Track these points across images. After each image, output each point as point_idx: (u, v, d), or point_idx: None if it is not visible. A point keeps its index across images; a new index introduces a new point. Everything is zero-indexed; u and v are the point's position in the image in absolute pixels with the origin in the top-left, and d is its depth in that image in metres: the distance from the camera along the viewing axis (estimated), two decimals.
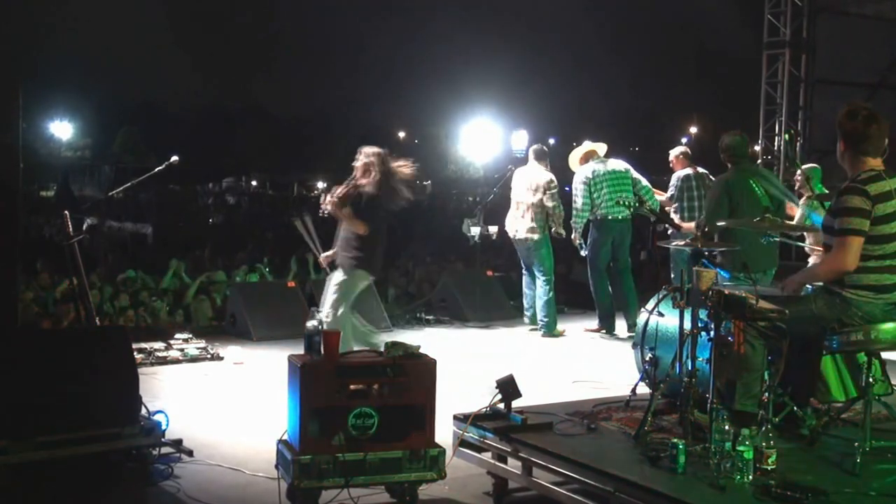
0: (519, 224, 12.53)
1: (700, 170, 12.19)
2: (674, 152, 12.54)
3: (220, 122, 64.30)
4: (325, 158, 67.76)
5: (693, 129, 70.53)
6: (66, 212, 8.75)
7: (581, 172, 12.30)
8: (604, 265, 12.44)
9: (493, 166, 14.26)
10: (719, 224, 7.95)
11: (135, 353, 9.10)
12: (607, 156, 12.45)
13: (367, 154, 9.08)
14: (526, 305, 12.96)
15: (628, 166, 12.33)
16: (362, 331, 9.26)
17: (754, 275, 7.17)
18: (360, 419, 5.76)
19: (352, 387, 5.77)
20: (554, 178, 12.48)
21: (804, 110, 16.61)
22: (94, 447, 6.35)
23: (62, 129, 60.32)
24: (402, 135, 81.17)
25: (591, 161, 12.33)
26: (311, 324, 6.03)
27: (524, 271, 12.82)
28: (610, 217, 12.11)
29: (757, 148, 12.36)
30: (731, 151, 9.34)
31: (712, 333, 5.83)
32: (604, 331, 12.48)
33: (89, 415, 6.38)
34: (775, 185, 9.42)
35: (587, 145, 12.56)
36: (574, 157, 12.63)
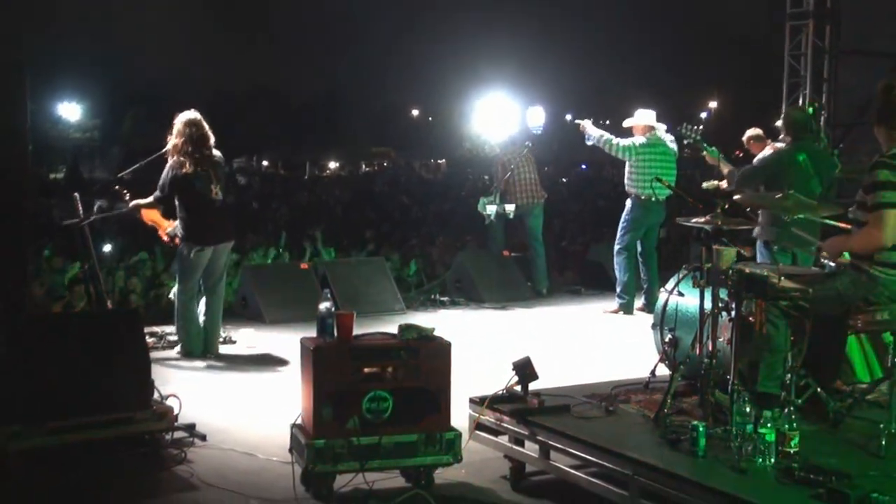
0: None
1: (779, 145, 11.95)
2: (748, 134, 12.32)
3: (231, 101, 64.25)
4: (338, 137, 67.86)
5: (713, 104, 70.28)
6: (76, 194, 8.69)
7: (637, 139, 12.17)
8: (633, 245, 12.33)
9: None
10: (736, 198, 7.78)
11: (147, 337, 9.09)
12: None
13: None
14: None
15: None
16: None
17: (797, 251, 7.10)
18: (374, 403, 5.70)
19: (366, 370, 5.71)
20: None
21: (828, 82, 16.37)
22: (107, 432, 6.29)
23: (71, 111, 60.43)
24: (415, 113, 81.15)
25: (648, 134, 12.20)
26: (323, 306, 5.95)
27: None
28: (654, 199, 11.99)
29: (779, 123, 12.17)
30: (792, 126, 9.18)
31: (733, 313, 5.73)
32: (622, 312, 12.36)
33: (101, 399, 6.33)
34: (831, 165, 9.27)
35: (645, 119, 12.36)
36: (635, 122, 12.43)
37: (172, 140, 9.19)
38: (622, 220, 12.34)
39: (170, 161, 9.21)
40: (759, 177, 8.93)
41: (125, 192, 9.36)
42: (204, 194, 9.22)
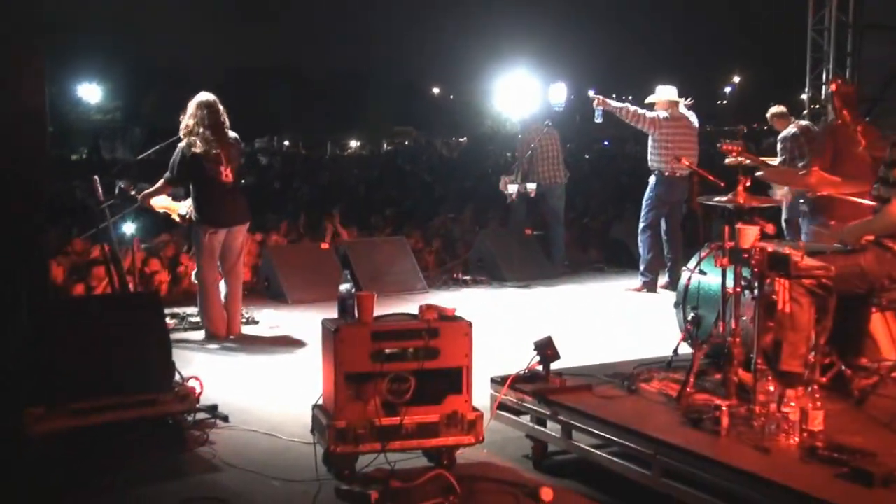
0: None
1: (803, 123, 11.86)
2: (771, 112, 12.23)
3: (253, 80, 64.22)
4: (359, 116, 67.78)
5: (736, 79, 69.94)
6: (96, 176, 8.70)
7: (661, 113, 12.11)
8: (658, 222, 12.27)
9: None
10: (759, 175, 7.71)
11: (168, 318, 9.12)
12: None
13: None
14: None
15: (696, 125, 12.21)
16: None
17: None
18: (395, 383, 5.68)
19: (387, 351, 5.68)
20: None
21: (852, 57, 16.21)
22: (129, 414, 6.28)
23: (91, 93, 60.51)
24: (436, 91, 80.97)
25: (670, 109, 12.13)
26: (343, 288, 5.94)
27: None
28: (678, 175, 11.93)
29: (803, 97, 12.06)
30: (844, 100, 9.11)
31: (756, 292, 5.69)
32: (646, 290, 12.31)
33: (123, 382, 6.32)
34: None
35: (668, 94, 12.29)
36: (658, 98, 12.34)
37: (184, 121, 9.21)
38: (646, 196, 12.28)
39: (179, 144, 9.24)
40: (829, 150, 8.81)
41: (132, 188, 9.33)
42: (214, 176, 9.22)
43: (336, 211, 15.48)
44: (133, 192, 9.33)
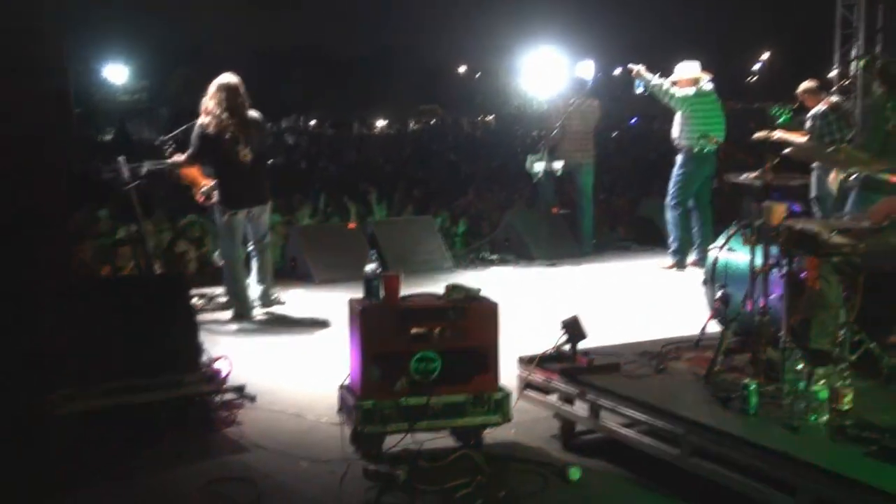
0: None
1: (834, 99, 11.74)
2: (802, 87, 12.10)
3: (278, 60, 64.25)
4: (386, 95, 67.72)
5: (766, 55, 69.44)
6: (122, 157, 8.70)
7: (688, 90, 12.04)
8: (687, 200, 12.20)
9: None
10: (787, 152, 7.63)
11: (196, 299, 9.14)
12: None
13: None
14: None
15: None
16: None
17: None
18: (422, 363, 5.68)
19: (413, 331, 5.68)
20: None
21: (882, 32, 16.01)
22: (157, 394, 6.31)
23: (117, 73, 60.60)
24: (462, 69, 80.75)
25: (695, 86, 12.06)
26: (369, 268, 5.94)
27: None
28: (706, 150, 11.86)
29: (832, 74, 11.94)
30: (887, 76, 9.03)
31: (785, 270, 5.65)
32: (676, 268, 12.25)
33: (151, 362, 6.35)
34: None
35: (692, 71, 12.21)
36: (680, 76, 12.27)
37: (205, 101, 9.24)
38: (674, 174, 12.21)
39: (199, 121, 9.26)
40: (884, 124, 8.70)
41: (169, 148, 9.38)
42: (231, 157, 9.23)
43: (369, 190, 15.47)
44: (167, 155, 9.36)
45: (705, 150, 11.83)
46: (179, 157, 9.43)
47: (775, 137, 11.23)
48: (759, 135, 11.26)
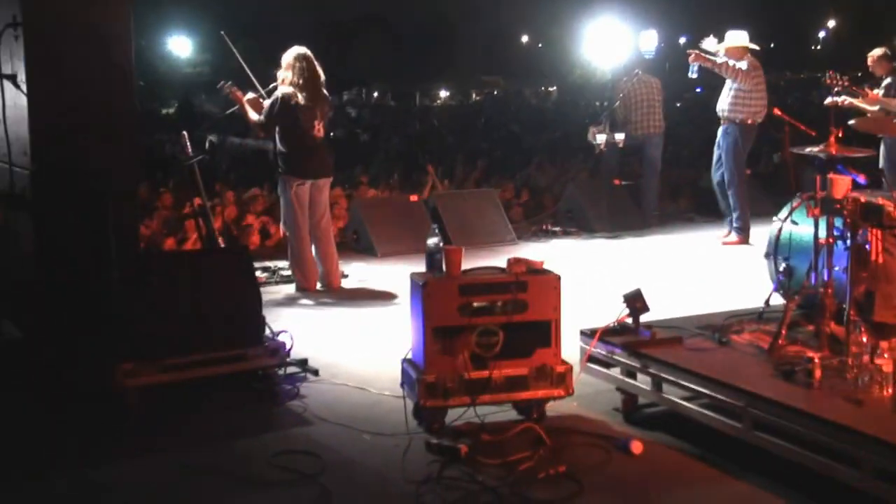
0: None
1: None
2: (875, 54, 11.91)
3: (341, 32, 64.27)
4: (448, 66, 67.57)
5: (832, 24, 68.46)
6: (185, 132, 8.76)
7: (743, 63, 11.88)
8: (744, 172, 12.11)
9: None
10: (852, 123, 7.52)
11: (259, 272, 9.21)
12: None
13: None
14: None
15: None
16: None
17: None
18: (484, 337, 5.69)
19: (475, 304, 5.69)
20: None
21: None
22: (220, 368, 6.40)
23: (181, 46, 60.90)
24: (525, 39, 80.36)
25: (745, 56, 11.92)
26: (431, 241, 5.96)
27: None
28: (757, 124, 11.76)
29: None
30: None
31: (849, 242, 5.60)
32: (742, 242, 12.09)
33: (214, 337, 6.42)
34: None
35: (742, 40, 12.04)
36: (729, 44, 12.09)
37: (282, 73, 9.25)
38: (729, 148, 11.99)
39: (279, 90, 9.25)
40: None
41: (235, 89, 9.40)
42: (307, 129, 9.25)
43: (434, 164, 15.49)
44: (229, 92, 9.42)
45: (757, 123, 11.72)
46: (247, 105, 9.44)
47: (845, 103, 11.09)
48: (828, 101, 11.10)
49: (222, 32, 10.39)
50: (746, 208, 12.09)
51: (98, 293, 6.74)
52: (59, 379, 6.44)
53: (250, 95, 9.50)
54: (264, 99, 9.38)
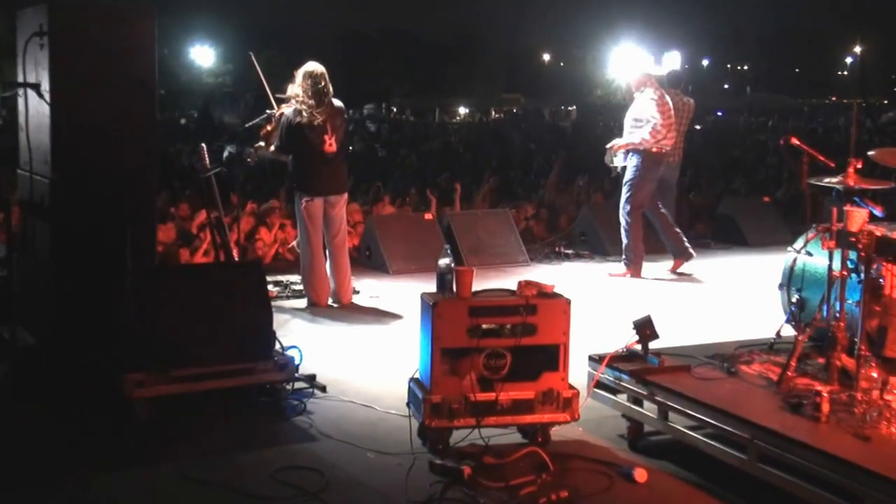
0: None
1: None
2: None
3: (363, 45, 64.48)
4: (467, 83, 67.72)
5: (857, 49, 68.34)
6: (203, 145, 8.80)
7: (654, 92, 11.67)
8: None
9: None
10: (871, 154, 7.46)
11: (272, 287, 9.22)
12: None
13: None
14: None
15: None
16: None
17: None
18: (492, 359, 5.69)
19: (484, 326, 5.69)
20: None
21: None
22: (228, 382, 6.41)
23: (203, 56, 61.14)
24: (546, 58, 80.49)
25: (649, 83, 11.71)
26: (442, 262, 5.95)
27: None
28: (656, 151, 11.62)
29: None
30: None
31: (862, 276, 5.58)
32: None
33: (224, 350, 6.44)
34: None
35: (644, 67, 11.94)
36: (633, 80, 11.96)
37: (292, 90, 9.30)
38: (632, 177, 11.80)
39: (284, 112, 9.31)
40: None
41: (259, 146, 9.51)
42: (316, 146, 9.27)
43: (455, 183, 15.47)
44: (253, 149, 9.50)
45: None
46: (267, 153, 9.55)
47: None
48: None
49: (250, 53, 10.42)
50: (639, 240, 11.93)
51: (111, 303, 6.77)
52: (69, 387, 6.46)
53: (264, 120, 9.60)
54: (273, 110, 9.47)
